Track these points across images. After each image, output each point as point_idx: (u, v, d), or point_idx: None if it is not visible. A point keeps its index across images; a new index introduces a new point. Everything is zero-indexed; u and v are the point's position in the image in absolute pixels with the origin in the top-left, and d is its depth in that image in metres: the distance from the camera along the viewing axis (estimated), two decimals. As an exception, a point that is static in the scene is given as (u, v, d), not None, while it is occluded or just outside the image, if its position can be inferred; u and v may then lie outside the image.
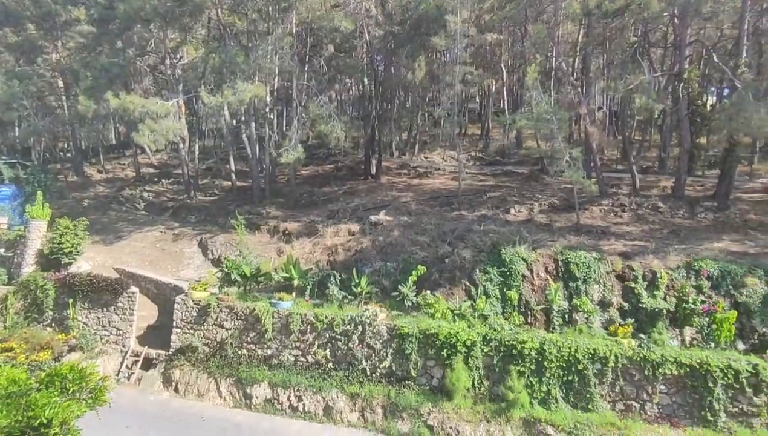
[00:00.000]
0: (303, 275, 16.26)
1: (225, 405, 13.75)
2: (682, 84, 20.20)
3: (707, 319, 12.60)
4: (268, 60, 22.92)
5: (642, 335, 12.53)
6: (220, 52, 24.54)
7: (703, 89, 23.50)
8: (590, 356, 11.99)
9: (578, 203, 18.88)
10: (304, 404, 13.32)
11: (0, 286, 17.83)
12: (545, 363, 12.16)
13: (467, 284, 15.10)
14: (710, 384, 11.25)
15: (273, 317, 14.60)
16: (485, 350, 12.76)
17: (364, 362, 13.64)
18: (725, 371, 11.22)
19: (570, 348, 12.10)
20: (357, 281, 15.28)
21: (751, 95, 16.43)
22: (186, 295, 15.79)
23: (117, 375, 15.36)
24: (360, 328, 13.76)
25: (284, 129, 29.90)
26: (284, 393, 13.59)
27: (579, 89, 22.19)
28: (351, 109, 37.50)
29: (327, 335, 14.07)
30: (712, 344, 12.34)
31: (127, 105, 19.97)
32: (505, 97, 36.15)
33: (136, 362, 15.57)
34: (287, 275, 16.12)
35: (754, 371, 11.17)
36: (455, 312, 13.88)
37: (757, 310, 12.63)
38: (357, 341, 13.77)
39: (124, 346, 16.12)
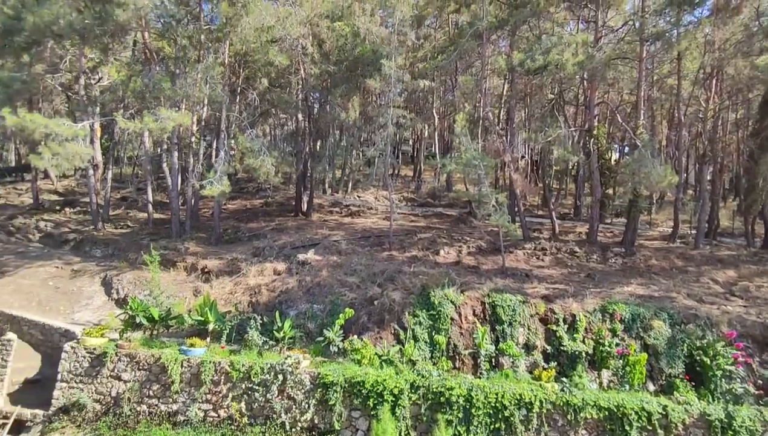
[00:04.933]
0: (220, 318, 14.86)
1: (114, 474, 11.75)
2: (592, 139, 22.21)
3: (621, 361, 13.14)
4: (197, 88, 21.90)
5: (564, 379, 12.74)
6: (143, 76, 23.14)
7: (609, 145, 26.06)
8: (516, 401, 11.90)
9: (504, 246, 19.52)
10: (211, 468, 11.75)
11: None
12: (473, 411, 11.85)
13: (396, 327, 14.64)
14: (626, 427, 11.56)
15: (182, 366, 13.02)
16: (413, 398, 12.22)
17: (283, 415, 12.46)
18: (639, 413, 11.62)
19: (497, 394, 11.94)
20: (280, 324, 14.23)
21: (649, 153, 18.37)
22: (77, 341, 13.69)
23: (-24, 443, 12.66)
24: (280, 377, 12.66)
25: (212, 160, 28.48)
26: (189, 456, 11.93)
27: (504, 138, 23.56)
28: (284, 145, 36.86)
29: (243, 386, 12.76)
30: (627, 386, 12.82)
31: (27, 124, 17.82)
32: (437, 142, 37.74)
33: (3, 425, 12.96)
34: (202, 319, 14.65)
35: (664, 412, 11.68)
36: (383, 358, 13.29)
37: (664, 351, 13.42)
38: (276, 392, 12.61)
39: (-10, 405, 13.43)
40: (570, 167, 35.71)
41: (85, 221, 26.95)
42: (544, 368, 13.26)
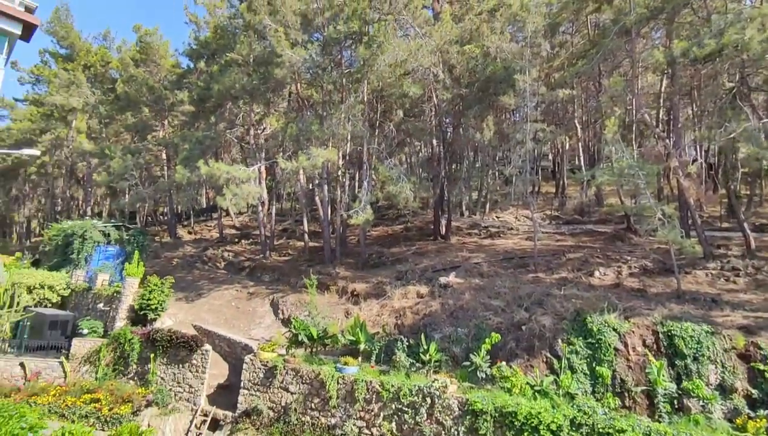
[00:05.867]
0: (369, 339, 15.65)
1: (285, 478, 13.00)
2: (799, 130, 17.77)
3: None
4: (341, 127, 24.16)
5: (782, 433, 10.06)
6: (297, 121, 26.48)
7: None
8: (713, 455, 9.77)
9: (678, 266, 16.63)
10: (367, 485, 12.19)
11: (96, 338, 19.21)
12: (652, 460, 10.09)
13: (548, 355, 13.50)
14: None
15: (338, 382, 13.98)
16: (574, 438, 10.95)
17: (433, 440, 12.35)
18: None
19: (684, 443, 9.98)
20: (425, 347, 14.33)
21: None
22: (254, 355, 15.78)
23: (186, 434, 15.37)
24: (428, 400, 12.64)
25: (356, 191, 30.85)
26: (346, 470, 12.60)
27: (667, 141, 20.44)
28: (420, 171, 37.98)
29: (393, 406, 13.08)
30: None
31: (214, 171, 21.81)
32: (581, 154, 34.63)
33: (204, 422, 15.54)
34: (354, 339, 15.61)
35: None
36: (536, 388, 12.31)
37: None
38: (425, 415, 12.60)
39: (194, 404, 16.26)
40: (766, 167, 29.05)
41: (256, 251, 31.46)
42: (750, 417, 10.67)
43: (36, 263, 27.71)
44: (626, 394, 12.11)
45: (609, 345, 12.83)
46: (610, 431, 10.56)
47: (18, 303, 19.84)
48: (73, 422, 15.19)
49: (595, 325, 13.26)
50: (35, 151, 18.71)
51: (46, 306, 22.36)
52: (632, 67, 23.46)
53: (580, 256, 21.21)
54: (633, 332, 13.08)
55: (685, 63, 19.89)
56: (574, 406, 11.52)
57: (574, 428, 11.00)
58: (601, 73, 29.89)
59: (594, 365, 12.71)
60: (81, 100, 39.69)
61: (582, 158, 34.90)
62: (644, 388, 11.94)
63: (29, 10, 26.82)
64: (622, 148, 18.32)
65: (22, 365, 17.81)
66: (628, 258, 20.23)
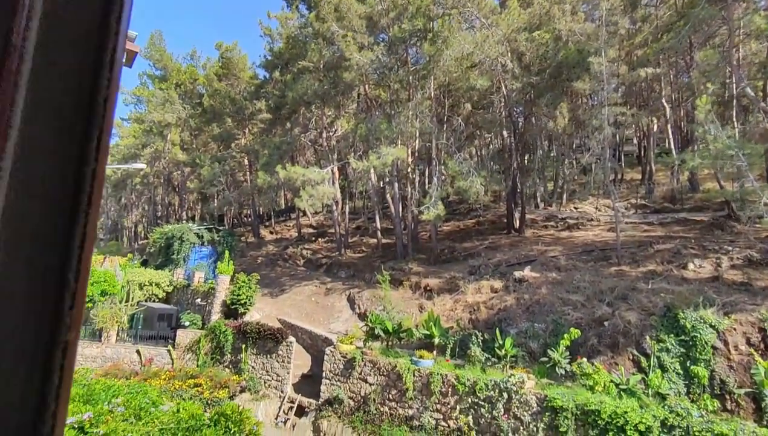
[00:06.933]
0: (444, 334, 15.85)
1: (367, 464, 13.68)
2: None
3: None
4: (409, 124, 24.50)
5: None
6: (367, 122, 27.28)
7: None
8: (835, 467, 8.72)
9: (790, 256, 14.82)
10: (445, 475, 12.46)
11: (196, 330, 21.45)
12: (760, 469, 9.24)
13: (635, 352, 12.77)
14: None
15: (414, 375, 14.38)
16: (666, 440, 10.32)
17: (511, 434, 12.28)
18: None
19: (799, 453, 9.02)
20: (501, 342, 14.23)
21: None
22: (334, 347, 16.69)
23: (276, 419, 16.70)
24: (505, 395, 12.58)
25: (426, 187, 31.02)
26: (425, 460, 12.96)
27: (775, 116, 18.17)
28: (491, 163, 37.15)
29: (469, 400, 13.19)
30: None
31: (292, 175, 23.25)
32: (671, 136, 31.71)
33: (291, 408, 16.77)
34: (428, 333, 15.91)
35: None
36: (621, 386, 11.73)
37: None
38: (502, 410, 12.56)
39: (282, 392, 17.59)
40: None
41: (332, 248, 32.92)
42: None
43: (144, 263, 31.44)
44: (727, 396, 11.13)
45: (705, 343, 11.86)
46: (708, 435, 9.82)
47: (132, 298, 22.78)
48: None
49: (688, 321, 12.32)
50: (142, 165, 21.33)
51: (154, 301, 25.34)
52: (729, 37, 21.12)
53: (671, 247, 19.60)
54: (734, 329, 11.96)
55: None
56: (666, 407, 10.85)
57: (665, 431, 10.37)
58: (692, 46, 27.21)
59: (688, 364, 11.83)
60: (174, 116, 44.09)
61: (672, 141, 31.95)
62: (749, 390, 10.89)
63: (130, 38, 30.39)
64: (718, 127, 16.63)
65: (138, 352, 20.41)
66: (729, 248, 18.33)
